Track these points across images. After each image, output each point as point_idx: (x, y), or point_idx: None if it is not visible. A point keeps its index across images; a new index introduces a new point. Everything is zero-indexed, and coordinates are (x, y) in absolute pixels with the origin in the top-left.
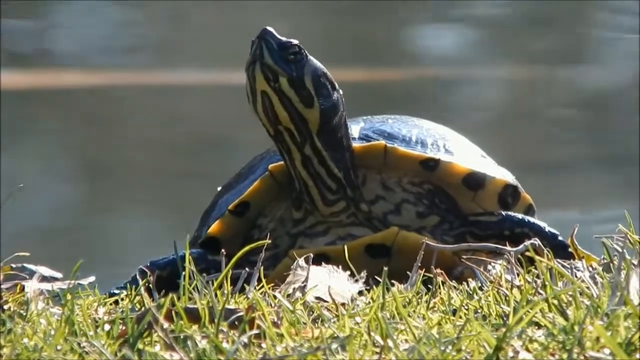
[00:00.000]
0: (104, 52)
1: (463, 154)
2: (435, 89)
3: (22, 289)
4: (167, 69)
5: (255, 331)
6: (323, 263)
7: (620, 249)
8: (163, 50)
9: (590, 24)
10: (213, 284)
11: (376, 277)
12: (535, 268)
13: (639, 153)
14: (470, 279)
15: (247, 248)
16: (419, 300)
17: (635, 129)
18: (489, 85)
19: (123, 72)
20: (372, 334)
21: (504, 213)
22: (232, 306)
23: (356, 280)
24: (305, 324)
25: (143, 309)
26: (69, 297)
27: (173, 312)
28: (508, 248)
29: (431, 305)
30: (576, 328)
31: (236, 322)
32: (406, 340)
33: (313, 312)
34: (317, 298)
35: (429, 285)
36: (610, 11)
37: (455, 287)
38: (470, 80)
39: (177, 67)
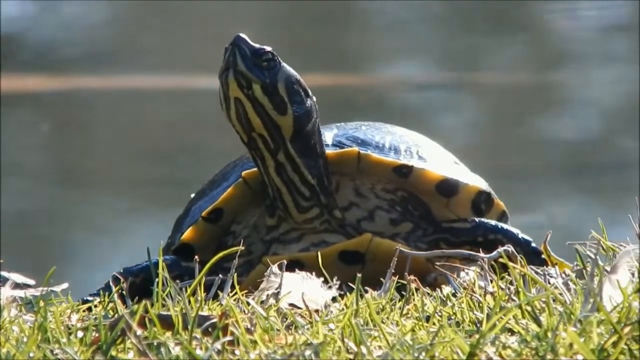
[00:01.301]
0: (71, 57)
1: (436, 160)
2: (403, 95)
3: None
4: (137, 73)
5: (228, 338)
6: (297, 270)
7: (593, 256)
8: (132, 55)
9: (561, 31)
10: (186, 291)
11: (350, 283)
12: (509, 274)
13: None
14: (443, 286)
15: (220, 255)
16: (393, 307)
17: (609, 138)
18: (458, 91)
19: (91, 77)
20: (345, 340)
21: (477, 220)
22: (205, 313)
23: (330, 287)
24: (278, 330)
25: (116, 315)
26: (41, 304)
27: (146, 319)
28: (481, 254)
29: (405, 311)
30: (549, 334)
31: (209, 329)
32: (380, 347)
33: (286, 319)
34: (291, 304)
35: (403, 292)
36: (582, 18)
37: (428, 294)
38: (439, 86)
39: (147, 72)
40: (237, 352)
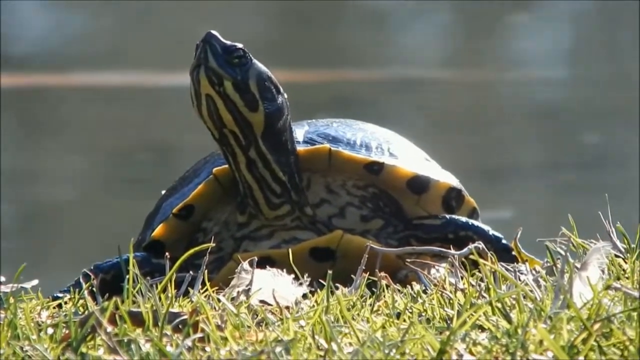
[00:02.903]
0: (34, 54)
1: (407, 157)
2: (373, 92)
3: None
4: (107, 71)
5: (199, 335)
6: (267, 266)
7: (563, 253)
8: (103, 53)
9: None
10: (157, 288)
11: (320, 280)
12: (479, 271)
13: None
14: (414, 282)
15: (191, 251)
16: (363, 304)
17: (579, 136)
18: (430, 89)
19: (54, 75)
20: (316, 337)
21: (447, 216)
22: (176, 310)
23: (300, 284)
24: (249, 327)
25: (86, 312)
26: (11, 300)
27: (117, 316)
28: (452, 251)
29: (375, 308)
30: (519, 331)
31: (180, 326)
32: (350, 344)
33: (257, 316)
34: (262, 301)
35: (373, 289)
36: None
37: (399, 291)
38: (410, 83)
39: (118, 70)
40: (207, 348)
